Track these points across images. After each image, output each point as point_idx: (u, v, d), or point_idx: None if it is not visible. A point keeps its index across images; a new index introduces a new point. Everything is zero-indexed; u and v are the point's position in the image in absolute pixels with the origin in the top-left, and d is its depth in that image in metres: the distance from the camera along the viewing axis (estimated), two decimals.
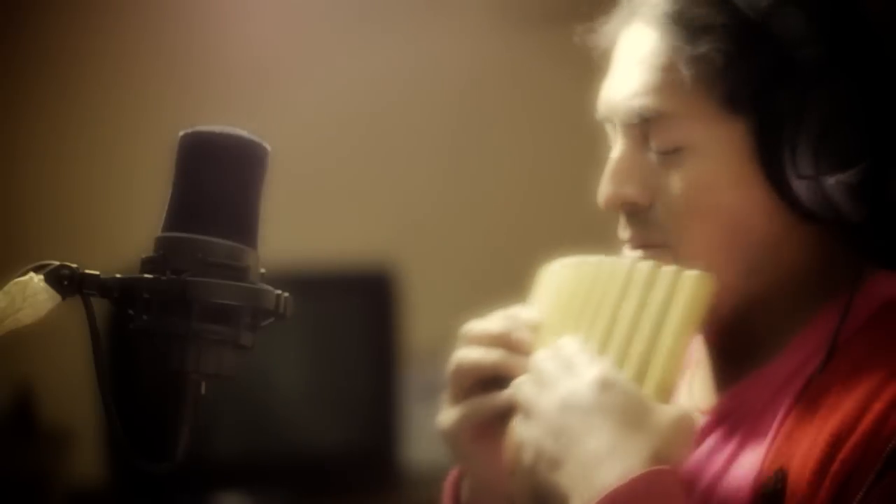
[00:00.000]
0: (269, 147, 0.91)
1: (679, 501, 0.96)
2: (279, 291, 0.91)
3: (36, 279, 0.86)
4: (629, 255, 1.10)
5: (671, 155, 1.06)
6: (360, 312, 3.38)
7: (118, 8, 3.67)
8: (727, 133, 1.06)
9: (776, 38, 1.04)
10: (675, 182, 1.06)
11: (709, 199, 1.05)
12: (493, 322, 1.14)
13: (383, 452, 3.26)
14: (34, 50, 3.68)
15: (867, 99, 1.05)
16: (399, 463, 3.28)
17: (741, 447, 1.05)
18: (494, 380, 1.12)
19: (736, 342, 1.10)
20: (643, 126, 1.07)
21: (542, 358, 1.07)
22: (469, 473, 1.18)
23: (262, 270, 0.91)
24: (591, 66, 1.15)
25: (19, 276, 0.87)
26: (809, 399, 1.02)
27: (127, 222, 2.65)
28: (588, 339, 1.07)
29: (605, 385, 1.01)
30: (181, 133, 0.90)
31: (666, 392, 1.02)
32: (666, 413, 0.99)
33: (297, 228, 3.30)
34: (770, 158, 1.04)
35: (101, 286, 0.88)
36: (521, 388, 1.06)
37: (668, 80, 1.06)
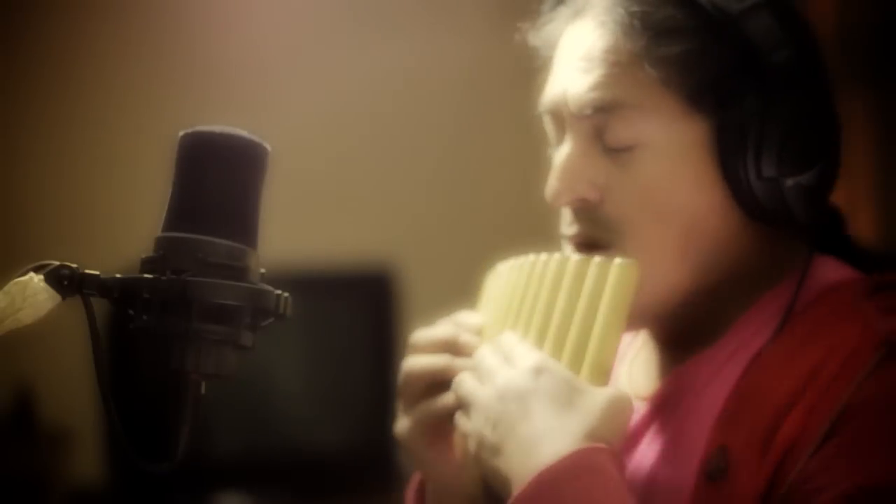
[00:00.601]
0: (269, 147, 0.91)
1: (612, 478, 0.96)
2: (279, 291, 0.90)
3: (36, 279, 0.86)
4: (570, 251, 1.11)
5: (625, 152, 1.06)
6: (360, 312, 3.39)
7: (118, 9, 3.67)
8: (687, 132, 1.06)
9: (745, 40, 1.04)
10: (629, 180, 1.06)
11: (664, 199, 1.05)
12: (439, 329, 1.18)
13: (383, 452, 3.26)
14: (34, 50, 3.68)
15: (826, 102, 1.07)
16: (399, 463, 3.28)
17: (685, 428, 1.07)
18: (445, 384, 1.14)
19: (679, 329, 1.12)
20: (597, 120, 1.07)
21: (483, 353, 1.09)
22: (429, 477, 1.21)
23: (262, 270, 0.91)
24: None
25: (19, 276, 0.87)
26: (751, 377, 1.03)
27: (127, 222, 2.65)
28: (527, 333, 1.10)
29: (539, 371, 1.03)
30: (181, 133, 0.90)
31: (601, 375, 1.03)
32: (600, 394, 1.01)
33: (297, 228, 3.30)
34: (731, 159, 1.04)
35: (101, 286, 0.88)
36: (462, 384, 1.09)
37: (627, 75, 1.05)
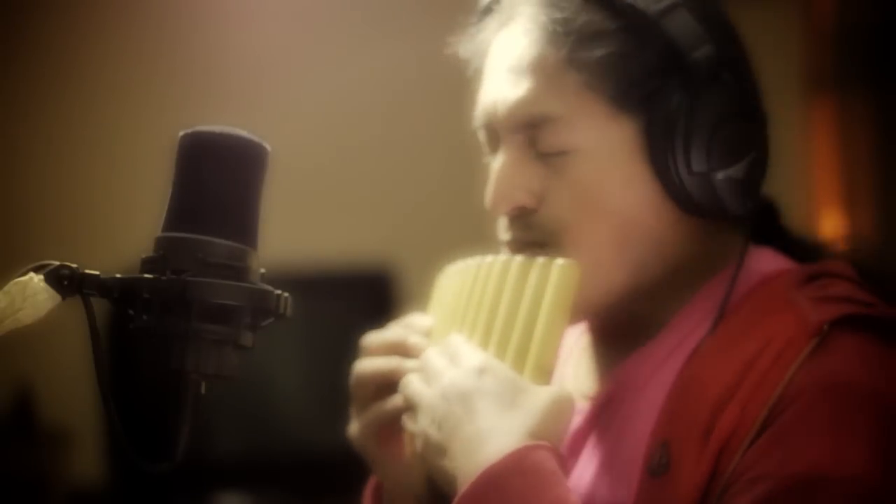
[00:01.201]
0: (269, 147, 0.91)
1: (553, 475, 0.98)
2: (279, 291, 0.90)
3: (36, 279, 0.86)
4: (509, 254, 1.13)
5: (558, 157, 1.08)
6: (360, 312, 3.38)
7: (118, 9, 3.67)
8: (616, 134, 1.07)
9: (666, 40, 1.05)
10: (564, 184, 1.08)
11: (598, 200, 1.07)
12: (388, 332, 1.20)
13: None
14: (35, 50, 3.68)
15: (750, 95, 1.09)
16: None
17: (628, 425, 1.08)
18: (395, 386, 1.16)
19: (619, 328, 1.13)
20: (528, 131, 1.09)
21: (429, 354, 1.11)
22: (383, 478, 1.23)
23: (262, 270, 0.91)
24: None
25: (19, 276, 0.87)
26: (690, 372, 1.04)
27: (127, 222, 2.65)
28: (473, 334, 1.12)
29: (483, 371, 1.05)
30: (181, 133, 0.90)
31: (543, 374, 1.05)
32: (542, 393, 1.03)
33: (298, 228, 3.30)
34: (660, 156, 1.06)
35: (101, 286, 0.88)
36: (409, 385, 1.11)
37: (553, 84, 1.07)
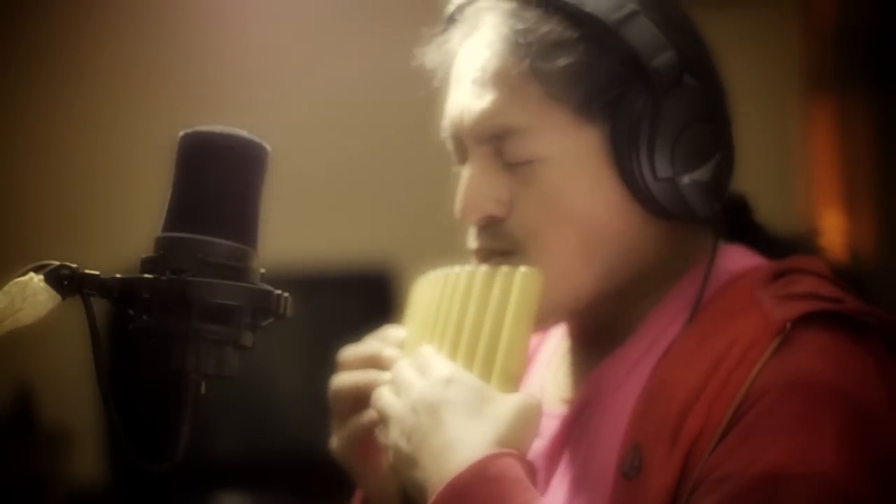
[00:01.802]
0: (269, 147, 0.91)
1: (517, 483, 0.98)
2: (279, 291, 0.90)
3: (36, 279, 0.86)
4: (476, 264, 1.14)
5: (525, 166, 1.09)
6: (360, 312, 3.38)
7: (118, 9, 3.67)
8: (581, 141, 1.08)
9: (626, 47, 1.06)
10: (531, 193, 1.08)
11: (565, 208, 1.08)
12: (364, 345, 1.21)
13: None
14: (34, 50, 3.68)
15: (714, 97, 1.10)
16: None
17: (603, 429, 1.08)
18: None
19: (593, 332, 1.14)
20: (495, 142, 1.10)
21: (400, 366, 1.12)
22: (366, 490, 1.24)
23: (262, 270, 0.91)
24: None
25: (19, 276, 0.86)
26: (660, 374, 1.05)
27: (127, 222, 2.65)
28: (442, 345, 1.13)
29: (449, 381, 1.06)
30: (181, 133, 0.90)
31: (510, 381, 1.07)
32: (509, 401, 1.04)
33: (297, 228, 3.30)
34: (626, 162, 1.07)
35: (101, 286, 0.88)
36: (380, 398, 1.11)
37: (517, 95, 1.08)
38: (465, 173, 1.12)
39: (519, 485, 0.98)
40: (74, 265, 0.88)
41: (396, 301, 3.34)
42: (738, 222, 1.15)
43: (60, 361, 3.01)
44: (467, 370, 1.08)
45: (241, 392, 3.23)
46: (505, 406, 1.03)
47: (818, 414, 0.97)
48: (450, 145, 1.16)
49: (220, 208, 0.89)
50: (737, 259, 1.12)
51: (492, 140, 1.10)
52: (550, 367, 1.21)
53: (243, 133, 0.90)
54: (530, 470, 1.02)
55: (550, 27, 1.07)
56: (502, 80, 1.08)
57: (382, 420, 1.10)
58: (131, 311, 0.88)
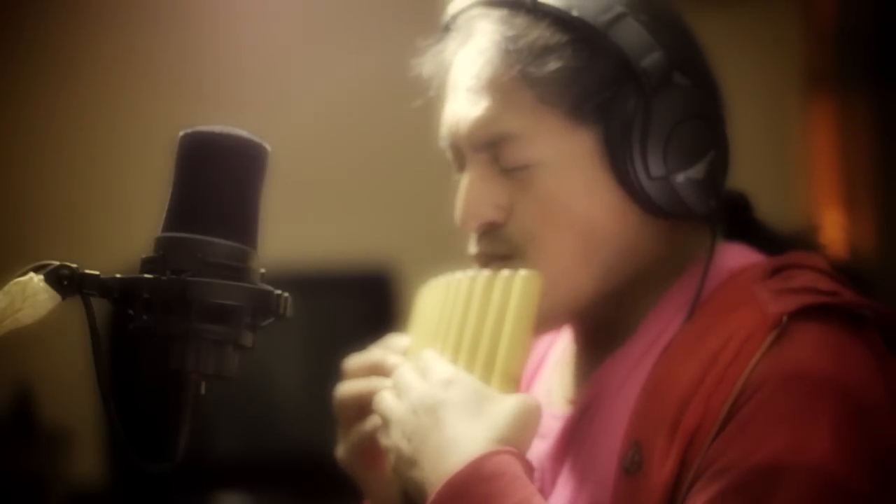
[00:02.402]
0: (269, 147, 0.91)
1: (515, 480, 0.99)
2: (279, 291, 0.90)
3: (36, 279, 0.86)
4: (478, 269, 1.15)
5: (522, 171, 1.10)
6: (360, 312, 3.38)
7: (118, 9, 3.67)
8: (575, 144, 1.09)
9: (615, 50, 1.07)
10: (529, 197, 1.10)
11: (563, 211, 1.09)
12: (368, 354, 1.23)
13: None
14: (34, 50, 3.68)
15: (706, 95, 1.10)
16: None
17: (605, 428, 1.09)
18: None
19: (595, 333, 1.15)
20: (491, 149, 1.11)
21: (402, 370, 1.13)
22: (372, 497, 1.25)
23: (262, 270, 0.91)
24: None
25: (19, 276, 0.87)
26: (659, 371, 1.06)
27: (127, 222, 2.65)
28: (444, 349, 1.14)
29: (449, 383, 1.07)
30: (181, 133, 0.90)
31: (510, 382, 1.08)
32: (508, 401, 1.05)
33: (297, 228, 3.30)
34: (620, 163, 1.08)
35: (101, 286, 0.88)
36: (381, 401, 1.12)
37: (510, 102, 1.09)
38: (464, 181, 1.13)
39: (517, 482, 0.99)
40: (74, 265, 0.88)
41: (396, 301, 3.34)
42: (737, 220, 1.16)
43: (60, 361, 3.01)
44: (468, 373, 1.09)
45: (241, 392, 3.23)
46: (504, 406, 1.04)
47: (815, 405, 0.97)
48: (448, 154, 1.17)
49: (220, 208, 0.89)
50: (735, 256, 1.12)
51: (488, 147, 1.11)
52: (557, 370, 1.22)
53: (243, 133, 0.90)
54: (529, 468, 1.03)
55: (539, 32, 1.08)
56: (495, 87, 1.10)
57: (384, 423, 1.11)
58: (131, 311, 0.88)
